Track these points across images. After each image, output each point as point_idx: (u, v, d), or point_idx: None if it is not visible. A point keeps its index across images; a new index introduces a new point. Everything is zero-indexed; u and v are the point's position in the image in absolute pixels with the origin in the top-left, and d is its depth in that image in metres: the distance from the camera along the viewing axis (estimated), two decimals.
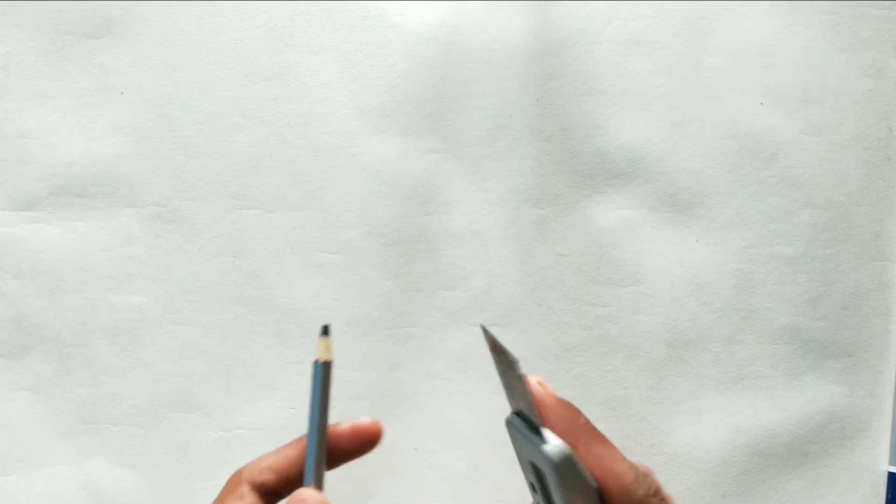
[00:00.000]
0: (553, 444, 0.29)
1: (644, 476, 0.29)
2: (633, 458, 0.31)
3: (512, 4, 0.55)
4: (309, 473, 0.34)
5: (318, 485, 0.34)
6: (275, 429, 0.54)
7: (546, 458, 0.29)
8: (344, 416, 0.36)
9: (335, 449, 0.35)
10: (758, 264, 0.56)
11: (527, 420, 0.31)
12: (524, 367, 0.30)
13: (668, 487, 0.31)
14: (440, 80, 0.55)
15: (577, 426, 0.30)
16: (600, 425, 0.31)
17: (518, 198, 0.55)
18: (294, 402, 0.54)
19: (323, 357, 0.34)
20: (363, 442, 0.35)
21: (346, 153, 0.55)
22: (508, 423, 0.33)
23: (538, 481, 0.31)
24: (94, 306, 0.54)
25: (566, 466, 0.29)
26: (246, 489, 0.33)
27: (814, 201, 0.56)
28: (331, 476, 0.35)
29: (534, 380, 0.31)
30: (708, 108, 0.56)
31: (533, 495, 0.33)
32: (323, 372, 0.34)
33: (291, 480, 0.34)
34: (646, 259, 0.55)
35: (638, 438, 0.55)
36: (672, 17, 0.56)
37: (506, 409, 0.34)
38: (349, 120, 0.55)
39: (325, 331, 0.35)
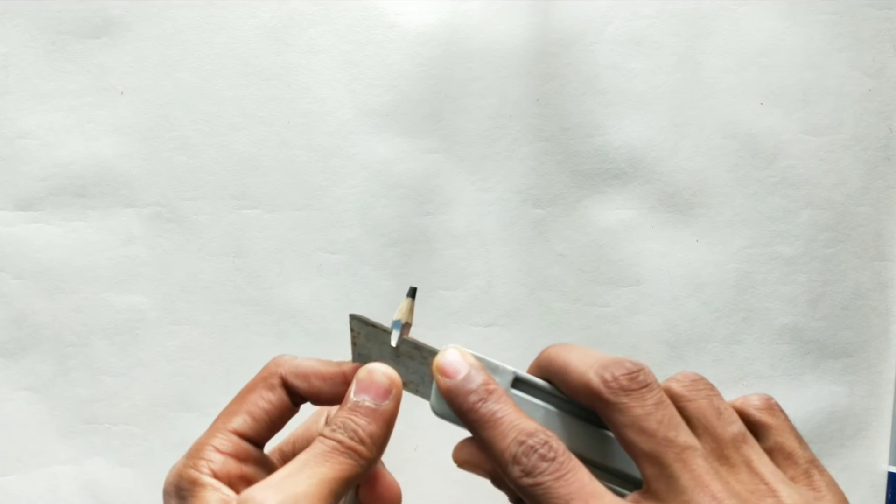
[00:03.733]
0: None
1: (529, 450, 0.28)
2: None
3: (512, 4, 0.55)
4: None
5: None
6: None
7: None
8: None
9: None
10: (758, 264, 0.56)
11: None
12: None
13: None
14: (440, 80, 0.55)
15: (464, 411, 0.31)
16: None
17: (518, 198, 0.55)
18: None
19: (400, 318, 0.34)
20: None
21: (346, 153, 0.55)
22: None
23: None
24: (94, 306, 0.54)
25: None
26: (277, 382, 0.32)
27: (814, 201, 0.56)
28: None
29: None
30: (708, 108, 0.56)
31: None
32: (400, 333, 0.34)
33: (321, 391, 0.33)
34: (646, 259, 0.55)
35: None
36: (672, 17, 0.56)
37: None
38: (349, 120, 0.55)
39: (412, 293, 0.35)
